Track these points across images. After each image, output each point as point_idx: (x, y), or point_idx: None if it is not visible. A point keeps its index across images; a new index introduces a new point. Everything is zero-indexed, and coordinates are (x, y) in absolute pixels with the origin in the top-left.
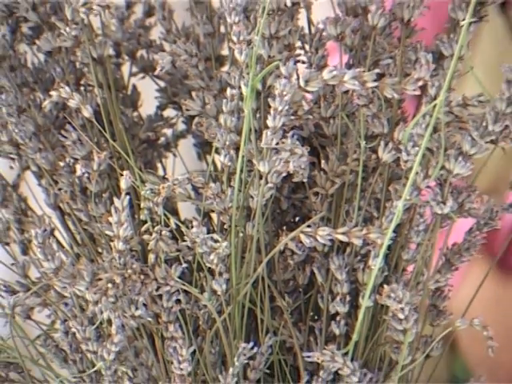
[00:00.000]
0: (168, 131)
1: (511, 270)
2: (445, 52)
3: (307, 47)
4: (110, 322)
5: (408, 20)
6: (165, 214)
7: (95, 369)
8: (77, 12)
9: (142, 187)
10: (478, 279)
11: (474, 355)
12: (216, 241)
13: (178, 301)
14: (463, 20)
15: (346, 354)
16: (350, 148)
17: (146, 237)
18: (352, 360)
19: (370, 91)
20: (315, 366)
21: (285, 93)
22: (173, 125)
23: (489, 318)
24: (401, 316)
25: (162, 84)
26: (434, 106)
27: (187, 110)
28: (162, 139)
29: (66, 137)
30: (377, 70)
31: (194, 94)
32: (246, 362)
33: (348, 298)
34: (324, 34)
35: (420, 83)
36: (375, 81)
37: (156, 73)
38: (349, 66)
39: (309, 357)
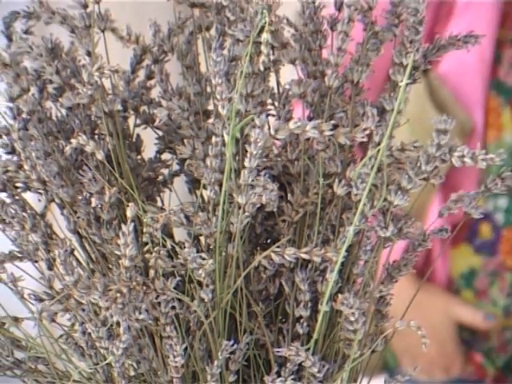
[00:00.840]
0: (165, 171)
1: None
2: (387, 107)
3: (276, 103)
4: (118, 324)
5: (357, 81)
6: (162, 237)
7: (107, 361)
8: (92, 75)
9: (144, 216)
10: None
11: (401, 347)
12: (203, 259)
13: (173, 307)
14: (401, 81)
15: (308, 349)
16: (311, 184)
17: (147, 256)
18: (313, 354)
19: (326, 139)
20: (283, 359)
21: (258, 140)
22: (169, 166)
23: (413, 318)
24: (352, 319)
25: (160, 133)
26: (378, 151)
27: (180, 154)
28: (160, 177)
29: (83, 175)
30: (332, 122)
31: (185, 141)
32: (227, 356)
33: (309, 305)
34: (290, 92)
35: (367, 132)
36: (331, 130)
37: (155, 124)
38: (310, 119)
39: (278, 352)
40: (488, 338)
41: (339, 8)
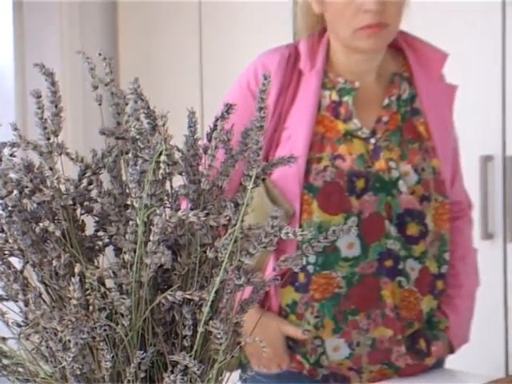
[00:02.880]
0: (100, 242)
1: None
2: (239, 202)
3: (170, 200)
4: (69, 341)
5: (221, 186)
6: (98, 285)
7: (62, 365)
8: (52, 183)
9: (86, 272)
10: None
11: (250, 351)
12: (124, 299)
13: (105, 330)
14: (249, 186)
15: (190, 356)
16: (192, 251)
17: (88, 297)
18: (194, 359)
19: (202, 222)
20: (175, 363)
21: (159, 223)
22: (102, 239)
23: (258, 334)
24: (218, 336)
25: (97, 218)
26: (235, 230)
27: (109, 232)
28: (97, 247)
29: (47, 246)
30: (205, 211)
31: (113, 224)
32: (139, 361)
33: (191, 327)
34: (178, 193)
35: (227, 218)
36: (205, 217)
37: (93, 213)
38: (191, 209)
39: (172, 358)
40: (304, 344)
41: (209, 139)
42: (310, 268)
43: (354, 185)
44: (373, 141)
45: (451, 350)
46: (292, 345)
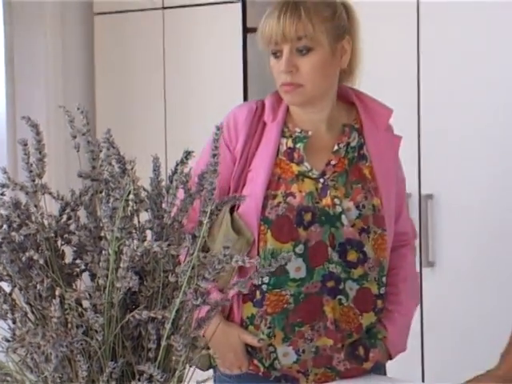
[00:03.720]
0: (77, 269)
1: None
2: (197, 234)
3: (137, 232)
4: (50, 354)
5: (180, 221)
6: (75, 306)
7: (44, 375)
8: (37, 217)
9: (66, 294)
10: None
11: (215, 355)
12: (98, 317)
13: (81, 344)
14: (205, 221)
15: (155, 366)
16: (157, 276)
17: (67, 316)
18: (158, 368)
19: (164, 251)
20: (142, 372)
21: (128, 253)
22: (79, 266)
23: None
24: (179, 349)
25: (75, 248)
26: (192, 258)
27: (85, 260)
28: (75, 273)
29: (32, 272)
30: (167, 243)
31: (88, 253)
32: (111, 371)
33: (156, 341)
34: (145, 226)
35: (186, 248)
36: (167, 247)
37: (72, 244)
38: (155, 240)
39: (139, 367)
40: (261, 351)
41: (171, 181)
42: (264, 287)
43: (302, 218)
44: (321, 180)
45: (389, 357)
46: (251, 351)
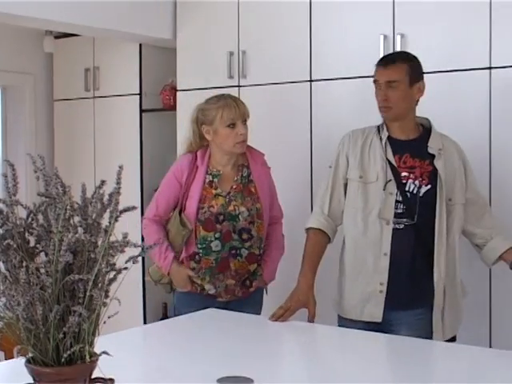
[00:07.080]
0: (37, 250)
1: None
2: (107, 230)
3: (72, 228)
4: (20, 300)
5: (99, 221)
6: (36, 272)
7: (17, 313)
8: (12, 219)
9: (29, 265)
10: None
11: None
12: (48, 278)
13: (39, 294)
14: (111, 222)
15: (83, 307)
16: (84, 254)
17: (30, 278)
18: (84, 308)
19: (88, 240)
20: (75, 311)
21: (66, 240)
22: (38, 249)
23: (175, 275)
24: (97, 297)
25: (36, 238)
26: (104, 243)
27: (42, 245)
28: (36, 252)
29: (9, 253)
30: (90, 234)
31: (44, 241)
32: (56, 310)
33: (83, 292)
34: (77, 225)
35: (101, 238)
36: (89, 237)
37: (34, 235)
38: (84, 233)
39: (73, 308)
40: (197, 283)
41: (92, 197)
42: (200, 254)
43: (218, 218)
44: (227, 197)
45: (265, 284)
46: (192, 281)
